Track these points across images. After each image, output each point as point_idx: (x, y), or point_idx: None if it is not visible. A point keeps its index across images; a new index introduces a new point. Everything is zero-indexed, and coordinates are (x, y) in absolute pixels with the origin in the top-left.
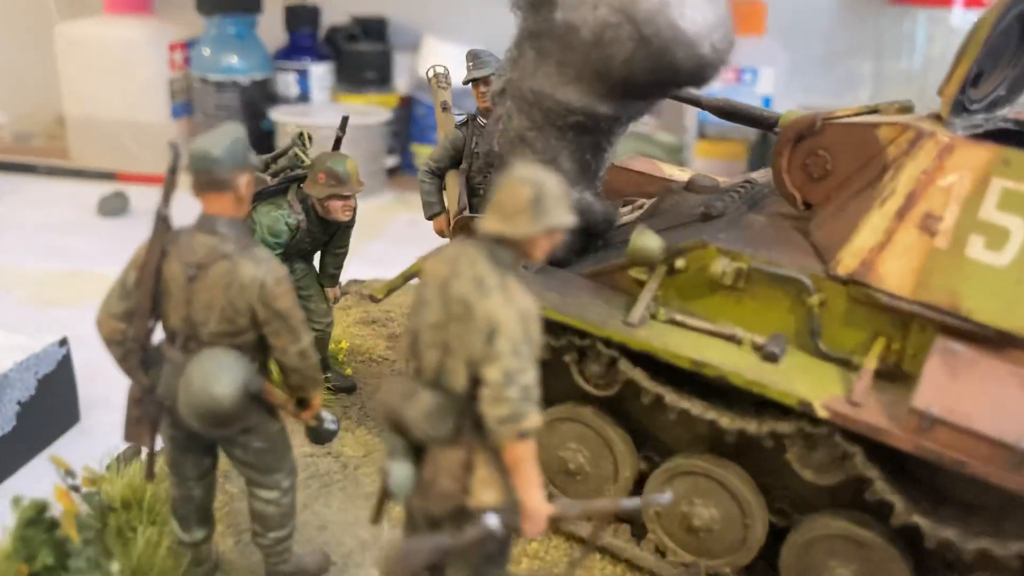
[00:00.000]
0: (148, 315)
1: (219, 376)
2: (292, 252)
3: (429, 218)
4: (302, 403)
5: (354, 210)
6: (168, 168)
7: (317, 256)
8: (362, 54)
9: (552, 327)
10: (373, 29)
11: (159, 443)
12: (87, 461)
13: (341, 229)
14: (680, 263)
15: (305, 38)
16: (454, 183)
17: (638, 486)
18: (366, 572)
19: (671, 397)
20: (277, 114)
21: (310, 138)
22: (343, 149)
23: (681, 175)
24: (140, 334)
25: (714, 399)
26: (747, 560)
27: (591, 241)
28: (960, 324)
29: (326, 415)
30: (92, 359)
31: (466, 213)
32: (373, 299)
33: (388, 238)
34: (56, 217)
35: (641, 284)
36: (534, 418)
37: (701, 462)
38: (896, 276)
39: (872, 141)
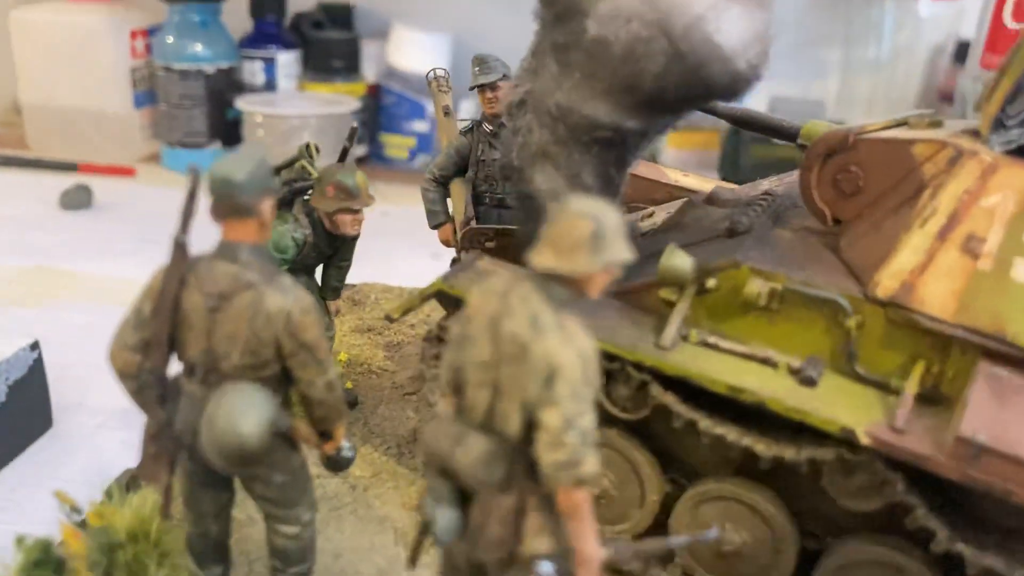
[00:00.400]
0: (166, 347)
1: (246, 414)
2: (297, 267)
3: (434, 227)
4: (324, 434)
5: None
6: (187, 192)
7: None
8: (329, 42)
9: None
10: (339, 16)
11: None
12: (62, 467)
13: (346, 242)
14: (711, 283)
15: (270, 25)
16: (459, 192)
17: (663, 510)
18: None
19: (705, 423)
20: (243, 103)
21: (317, 149)
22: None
23: (686, 180)
24: (158, 367)
25: (745, 420)
26: None
27: None
28: (1005, 349)
29: (344, 442)
30: (62, 361)
31: (473, 224)
32: (388, 319)
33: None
34: (16, 210)
35: (670, 304)
36: (592, 463)
37: (732, 487)
38: (938, 299)
39: (907, 158)
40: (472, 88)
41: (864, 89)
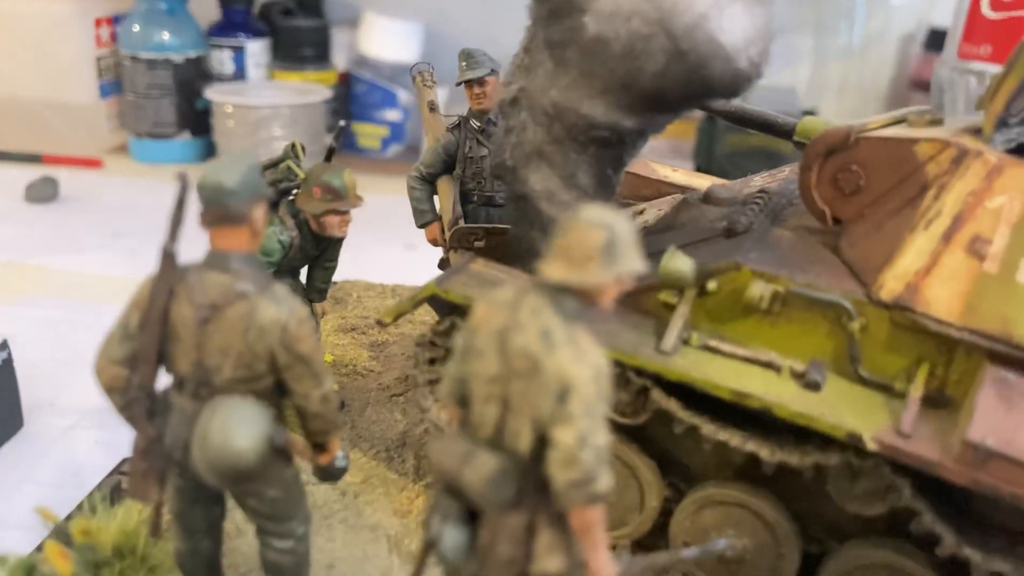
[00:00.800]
0: (155, 361)
1: (241, 429)
2: (282, 269)
3: (421, 226)
4: (318, 446)
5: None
6: (175, 200)
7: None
8: (299, 30)
9: None
10: (309, 3)
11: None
12: (35, 469)
13: (332, 243)
14: (712, 285)
15: (239, 13)
16: (446, 189)
17: (662, 515)
18: None
19: (708, 428)
20: (212, 93)
21: (303, 149)
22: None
23: (675, 176)
24: (146, 381)
25: (746, 425)
26: None
27: None
28: (1012, 352)
29: (338, 452)
30: (32, 359)
31: (462, 223)
32: (380, 324)
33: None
34: None
35: (669, 307)
36: (606, 480)
37: (734, 491)
38: (943, 301)
39: (909, 157)
40: (459, 83)
41: (835, 76)
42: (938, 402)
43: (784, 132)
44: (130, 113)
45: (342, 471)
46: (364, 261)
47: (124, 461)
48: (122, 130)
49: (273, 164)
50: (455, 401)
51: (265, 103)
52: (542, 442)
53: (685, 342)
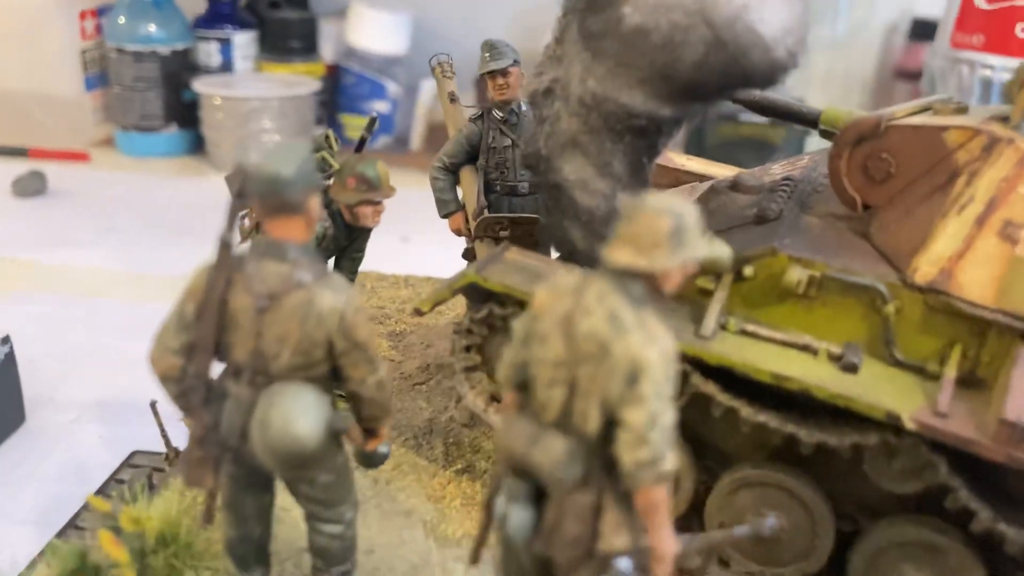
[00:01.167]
0: (212, 349)
1: (301, 416)
2: None
3: (444, 216)
4: (368, 431)
5: None
6: (235, 191)
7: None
8: (286, 21)
9: None
10: None
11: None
12: (40, 465)
13: (362, 233)
14: (748, 271)
15: (226, 5)
16: (470, 180)
17: (696, 498)
18: None
19: (747, 411)
20: (200, 85)
21: (337, 140)
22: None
23: (691, 164)
24: (202, 370)
25: (782, 407)
26: (817, 568)
27: None
28: None
29: None
30: (30, 354)
31: (487, 213)
32: (418, 312)
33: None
34: None
35: (705, 293)
36: (672, 460)
37: (770, 472)
38: (977, 285)
39: (939, 145)
40: (482, 74)
41: (821, 66)
42: (970, 383)
43: (809, 120)
44: (116, 106)
45: (384, 457)
46: None
47: (134, 454)
48: (108, 123)
49: None
50: (515, 386)
51: (254, 95)
52: (610, 424)
53: (723, 327)
